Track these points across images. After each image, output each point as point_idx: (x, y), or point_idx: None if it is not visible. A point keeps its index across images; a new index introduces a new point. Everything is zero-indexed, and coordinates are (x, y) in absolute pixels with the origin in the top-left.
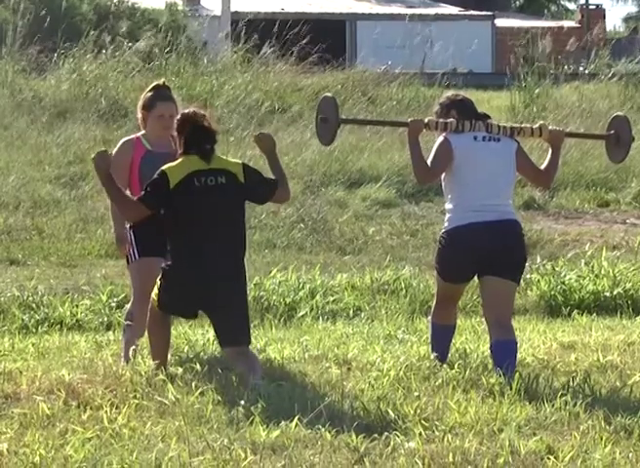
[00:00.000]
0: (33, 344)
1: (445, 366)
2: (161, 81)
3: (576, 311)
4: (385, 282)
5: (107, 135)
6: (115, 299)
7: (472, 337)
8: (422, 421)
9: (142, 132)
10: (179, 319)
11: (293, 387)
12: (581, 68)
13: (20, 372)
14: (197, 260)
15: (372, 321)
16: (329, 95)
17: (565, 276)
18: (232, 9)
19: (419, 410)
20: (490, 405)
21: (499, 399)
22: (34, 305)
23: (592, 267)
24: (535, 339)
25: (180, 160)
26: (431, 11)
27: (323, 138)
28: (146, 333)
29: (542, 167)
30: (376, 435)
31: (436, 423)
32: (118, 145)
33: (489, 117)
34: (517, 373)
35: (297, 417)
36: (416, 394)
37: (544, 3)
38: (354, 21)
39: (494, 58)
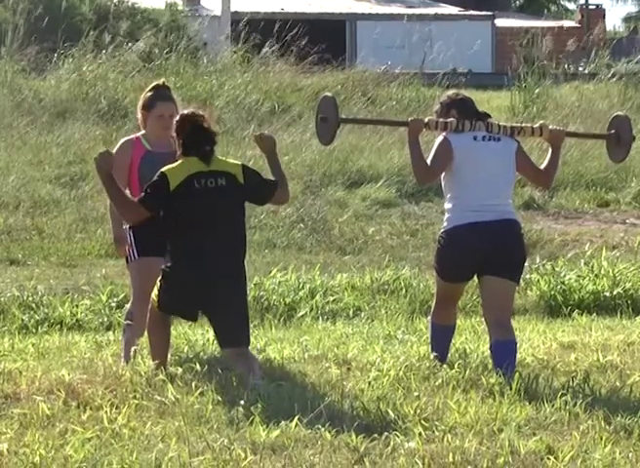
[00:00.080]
0: (33, 344)
1: (445, 366)
2: (161, 81)
3: (575, 311)
4: (385, 282)
5: (107, 135)
6: (115, 299)
7: (472, 337)
8: (422, 421)
9: (142, 132)
10: (179, 319)
11: (293, 387)
12: (581, 68)
13: (20, 373)
14: (197, 261)
15: (372, 321)
16: (329, 94)
17: (565, 276)
18: (232, 9)
19: (418, 410)
20: (490, 405)
21: (498, 399)
22: (34, 305)
23: (592, 267)
24: (534, 339)
25: (179, 162)
26: (431, 11)
27: (323, 138)
28: (146, 333)
29: (542, 166)
30: (376, 435)
31: (436, 423)
32: (118, 145)
33: (489, 116)
34: (517, 373)
35: (297, 417)
36: (415, 394)
37: (544, 3)
38: (354, 21)
39: (494, 59)
